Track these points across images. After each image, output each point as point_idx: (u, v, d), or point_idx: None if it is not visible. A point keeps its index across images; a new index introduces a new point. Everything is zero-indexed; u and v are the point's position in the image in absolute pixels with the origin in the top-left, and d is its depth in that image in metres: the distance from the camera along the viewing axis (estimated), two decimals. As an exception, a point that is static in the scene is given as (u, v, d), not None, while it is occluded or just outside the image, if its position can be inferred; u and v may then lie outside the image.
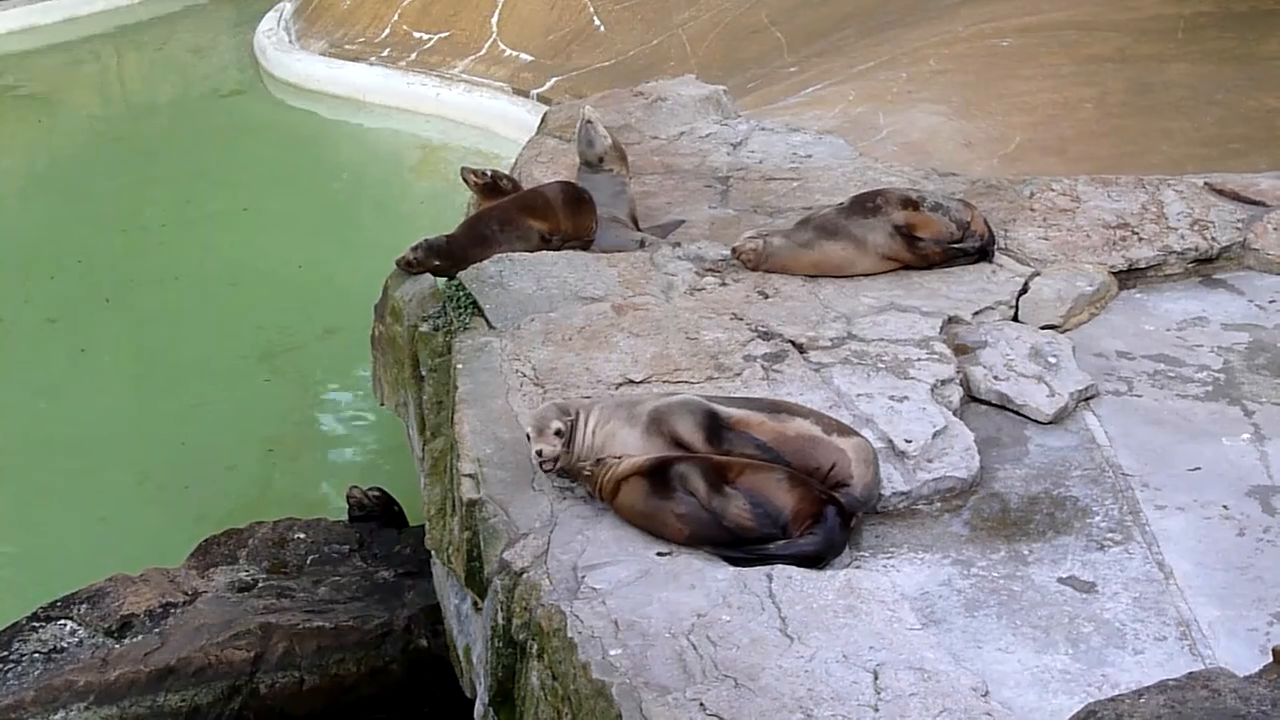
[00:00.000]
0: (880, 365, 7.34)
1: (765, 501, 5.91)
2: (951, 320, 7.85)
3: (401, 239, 9.86)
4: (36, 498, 11.22)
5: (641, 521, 6.04)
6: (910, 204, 8.33)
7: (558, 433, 6.32)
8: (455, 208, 12.26)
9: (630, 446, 6.32)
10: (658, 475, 6.05)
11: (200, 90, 21.76)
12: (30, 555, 10.36)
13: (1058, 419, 7.06)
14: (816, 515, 5.91)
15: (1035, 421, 7.07)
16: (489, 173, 9.75)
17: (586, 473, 6.25)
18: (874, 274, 8.26)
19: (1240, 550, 6.06)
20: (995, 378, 7.30)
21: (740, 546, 5.87)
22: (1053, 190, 9.19)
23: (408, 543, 9.28)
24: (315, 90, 20.04)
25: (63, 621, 8.24)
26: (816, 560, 5.84)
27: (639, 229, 9.47)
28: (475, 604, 6.63)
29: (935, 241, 8.28)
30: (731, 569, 5.74)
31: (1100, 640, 5.51)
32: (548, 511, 6.28)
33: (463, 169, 9.77)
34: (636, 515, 6.06)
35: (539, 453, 6.30)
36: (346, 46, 20.37)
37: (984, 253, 8.43)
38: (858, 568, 5.91)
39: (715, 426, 6.29)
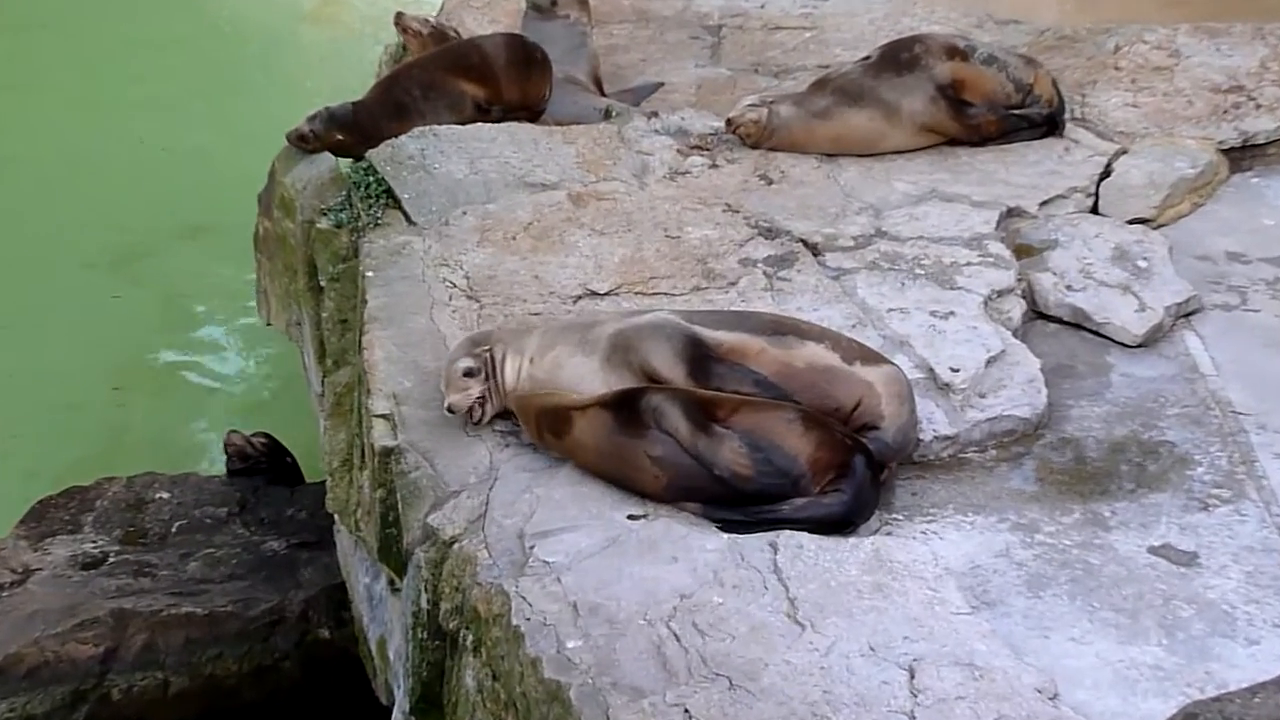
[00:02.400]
0: (919, 271, 7.29)
1: (770, 447, 5.84)
2: (1011, 213, 7.83)
3: (293, 109, 9.71)
4: None
5: (604, 465, 6.00)
6: (957, 54, 8.28)
7: (468, 373, 6.32)
8: (363, 66, 12.12)
9: (585, 380, 6.27)
10: (624, 407, 6.00)
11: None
12: None
13: (1149, 341, 7.07)
14: (840, 466, 5.87)
15: (1120, 344, 7.07)
16: (431, 22, 9.64)
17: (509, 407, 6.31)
18: (910, 150, 8.23)
19: (1383, 510, 6.08)
20: (1068, 288, 7.29)
21: (738, 505, 5.84)
22: (1144, 43, 9.15)
23: (303, 504, 9.28)
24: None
25: None
26: (840, 525, 5.82)
27: (603, 94, 9.40)
28: (392, 583, 6.60)
29: (989, 107, 8.28)
30: (724, 536, 5.70)
31: (1203, 627, 5.49)
32: (486, 462, 6.24)
33: (398, 15, 9.65)
34: (598, 456, 6.01)
35: (449, 408, 6.33)
36: None
37: (1051, 124, 8.40)
38: (888, 534, 5.89)
39: (700, 357, 6.21)
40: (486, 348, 6.39)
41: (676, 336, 6.25)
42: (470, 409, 6.35)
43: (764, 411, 5.95)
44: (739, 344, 6.25)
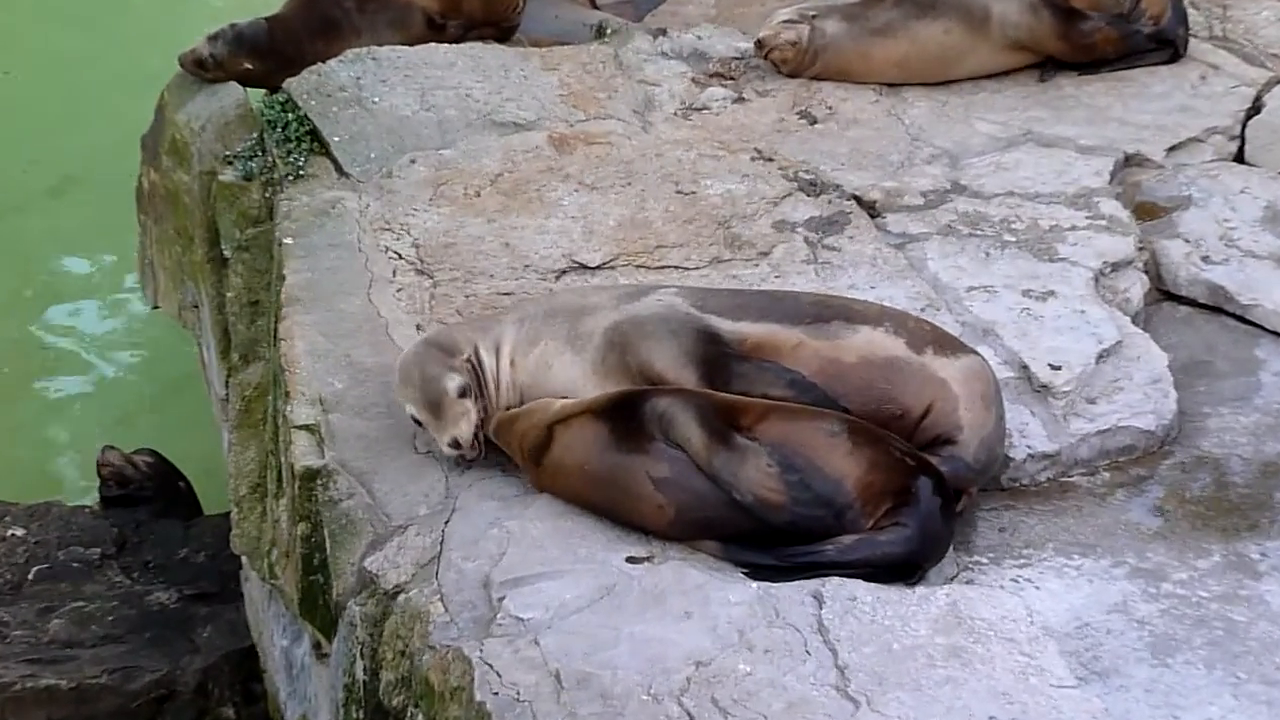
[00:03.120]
0: (1008, 238, 7.31)
1: (807, 467, 5.81)
2: (1130, 161, 7.86)
3: (189, 26, 9.68)
4: None
5: (593, 493, 5.99)
6: (1060, -59, 8.34)
7: (463, 393, 6.25)
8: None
9: (576, 385, 6.29)
10: (622, 415, 5.99)
11: None
12: None
13: (1311, 329, 7.11)
14: (899, 493, 5.83)
15: (1272, 333, 7.08)
16: None
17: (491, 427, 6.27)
18: (997, 74, 8.37)
19: None
20: (1205, 259, 7.30)
21: (768, 544, 5.82)
22: (1307, -65, 9.18)
23: (200, 543, 9.28)
24: None
25: None
26: (901, 569, 5.80)
27: (594, 5, 9.40)
28: (318, 647, 6.60)
29: (1106, 18, 8.29)
30: (753, 585, 5.68)
31: (1381, 704, 5.51)
32: (440, 487, 6.24)
33: None
34: (585, 482, 5.99)
35: (452, 444, 6.23)
36: None
37: (1164, 45, 8.47)
38: (968, 582, 5.89)
39: (716, 357, 6.21)
40: (464, 356, 6.34)
41: (684, 332, 6.24)
42: (477, 440, 6.28)
43: (799, 420, 5.92)
44: (767, 338, 6.24)
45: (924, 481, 5.88)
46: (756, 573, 5.79)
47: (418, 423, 6.37)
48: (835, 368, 6.17)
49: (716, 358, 6.20)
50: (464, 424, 6.24)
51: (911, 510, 5.83)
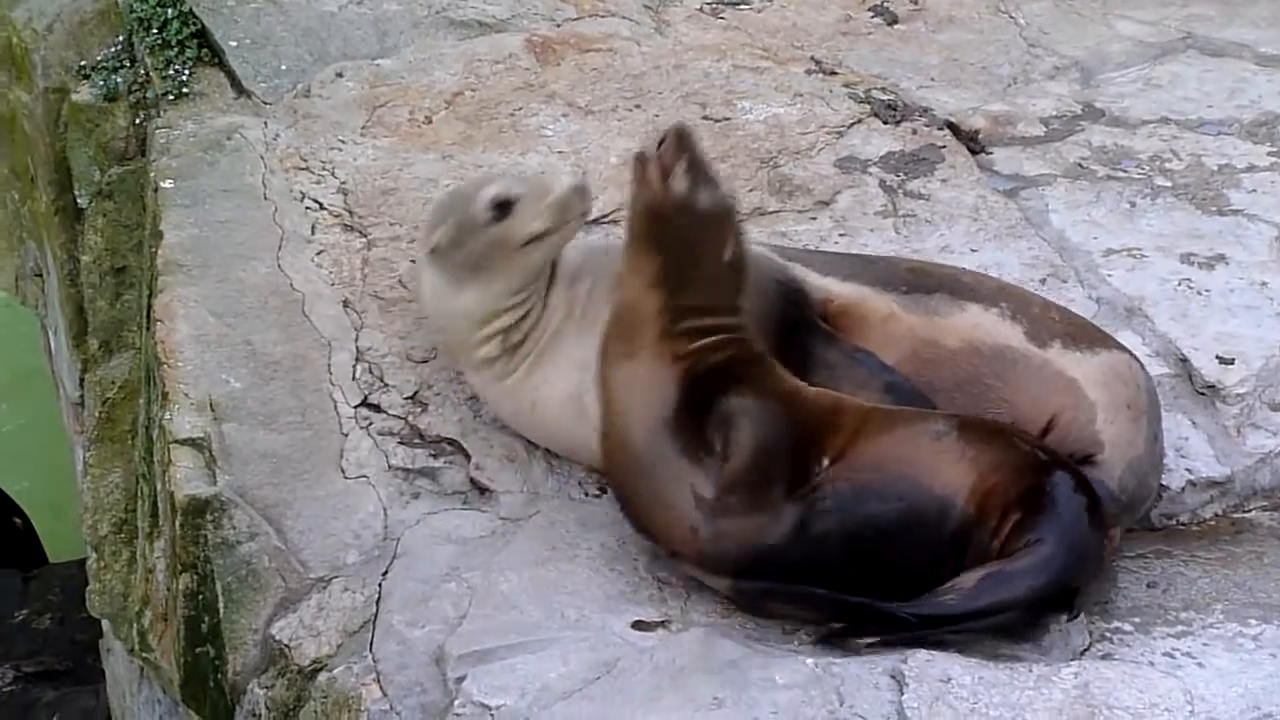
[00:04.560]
0: (1162, 183, 7.36)
1: (903, 474, 5.79)
2: (1332, 74, 7.93)
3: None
4: None
5: (630, 477, 5.95)
6: None
7: (501, 205, 6.15)
8: None
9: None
10: (699, 394, 5.85)
11: None
12: None
13: None
14: (1026, 495, 5.77)
15: None
16: None
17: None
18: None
19: None
20: None
21: (836, 593, 5.78)
22: None
23: (46, 602, 9.37)
24: None
25: None
26: (1053, 603, 5.78)
27: None
28: (206, 744, 6.61)
29: None
30: (809, 661, 5.61)
31: None
32: (377, 524, 6.25)
33: None
34: (627, 455, 5.90)
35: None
36: None
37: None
38: (1104, 656, 5.85)
39: (800, 324, 6.23)
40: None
41: (762, 281, 6.25)
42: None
43: (896, 421, 5.93)
44: (855, 302, 6.30)
45: (1061, 478, 5.85)
46: (840, 629, 5.77)
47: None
48: (932, 351, 6.22)
49: (797, 324, 6.26)
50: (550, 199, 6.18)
51: (1048, 517, 5.77)
